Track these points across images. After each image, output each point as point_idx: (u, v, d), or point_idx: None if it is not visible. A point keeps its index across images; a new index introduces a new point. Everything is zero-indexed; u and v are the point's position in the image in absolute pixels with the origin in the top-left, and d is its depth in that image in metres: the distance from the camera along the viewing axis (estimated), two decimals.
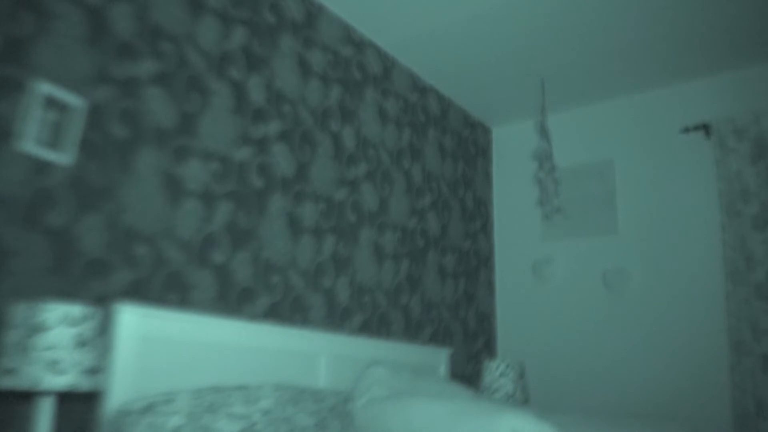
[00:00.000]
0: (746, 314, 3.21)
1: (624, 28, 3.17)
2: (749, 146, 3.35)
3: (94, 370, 1.62)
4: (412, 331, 3.35)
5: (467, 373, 3.77)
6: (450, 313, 3.69)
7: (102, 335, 1.79)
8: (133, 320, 1.89)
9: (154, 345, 1.95)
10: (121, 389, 1.82)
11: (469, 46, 3.38)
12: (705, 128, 3.53)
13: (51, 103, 1.86)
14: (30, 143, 1.81)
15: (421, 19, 3.14)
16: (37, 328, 1.57)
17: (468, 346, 3.81)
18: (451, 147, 3.94)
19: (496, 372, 3.15)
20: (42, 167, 1.85)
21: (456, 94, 3.94)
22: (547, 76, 3.68)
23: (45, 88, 1.85)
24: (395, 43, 3.36)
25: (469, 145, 4.15)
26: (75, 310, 1.61)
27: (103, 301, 1.95)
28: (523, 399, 3.17)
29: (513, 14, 3.07)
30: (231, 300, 2.38)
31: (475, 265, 4.01)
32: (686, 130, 3.58)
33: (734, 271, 3.29)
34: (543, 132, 3.14)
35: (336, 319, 2.87)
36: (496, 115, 4.24)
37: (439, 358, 3.27)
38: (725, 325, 3.37)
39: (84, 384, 1.58)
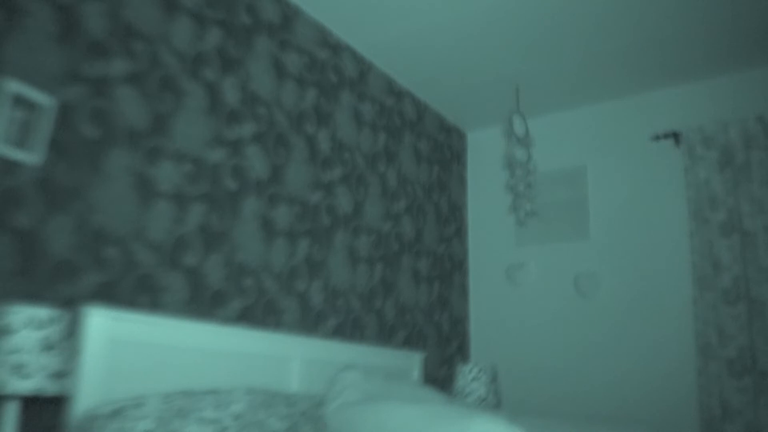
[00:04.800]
0: (713, 319, 3.28)
1: (597, 38, 3.22)
2: (717, 154, 3.43)
3: (60, 374, 1.59)
4: (385, 335, 3.35)
5: (440, 377, 3.78)
6: (424, 317, 3.70)
7: (69, 338, 1.76)
8: (101, 323, 1.86)
9: (124, 349, 1.92)
10: (88, 394, 1.79)
11: (445, 51, 3.40)
12: (675, 136, 3.60)
13: (19, 101, 1.82)
14: None
15: (398, 24, 3.15)
16: (2, 332, 1.54)
17: (441, 350, 3.83)
18: (426, 151, 3.96)
19: (468, 376, 3.17)
20: (9, 167, 1.81)
21: (432, 98, 3.96)
22: (521, 82, 3.72)
23: (13, 86, 1.81)
24: (372, 46, 3.37)
25: (444, 149, 4.17)
26: (41, 312, 1.58)
27: (71, 303, 1.91)
28: (495, 403, 3.19)
29: (489, 20, 3.10)
30: (203, 303, 2.36)
31: (449, 270, 4.03)
32: (656, 137, 3.65)
33: (702, 276, 3.35)
34: (513, 137, 3.17)
35: (309, 322, 2.86)
36: (471, 120, 4.27)
37: (413, 362, 3.28)
38: (692, 329, 3.44)
39: (50, 388, 1.55)
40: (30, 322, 1.55)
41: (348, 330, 3.09)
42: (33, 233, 1.85)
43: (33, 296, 1.82)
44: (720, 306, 3.26)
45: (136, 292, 2.12)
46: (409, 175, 3.76)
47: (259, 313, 2.59)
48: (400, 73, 3.64)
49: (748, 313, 3.20)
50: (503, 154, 4.31)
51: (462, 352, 4.05)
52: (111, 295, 2.04)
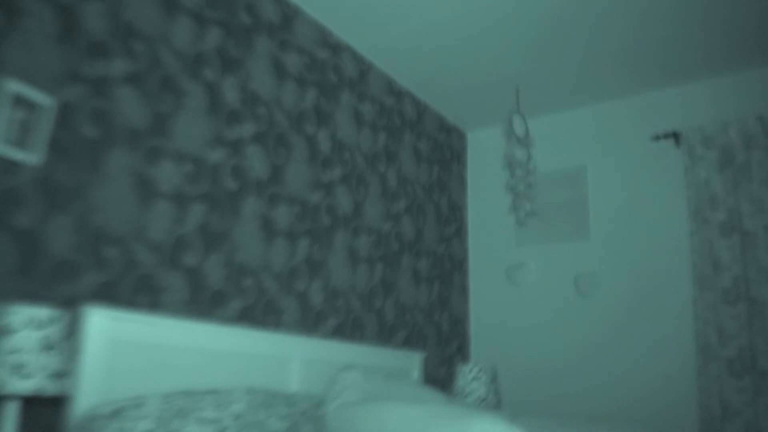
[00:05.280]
0: (713, 319, 3.28)
1: (597, 38, 3.22)
2: (717, 154, 3.43)
3: (60, 374, 1.59)
4: (385, 335, 3.35)
5: (440, 377, 3.78)
6: (424, 316, 3.70)
7: (69, 338, 1.76)
8: (101, 323, 1.86)
9: (124, 348, 1.92)
10: (88, 394, 1.79)
11: (445, 51, 3.40)
12: (675, 136, 3.60)
13: (19, 101, 1.82)
14: None
15: (398, 23, 3.15)
16: (2, 331, 1.54)
17: (441, 349, 3.83)
18: (426, 151, 3.96)
19: (468, 376, 3.17)
20: (9, 167, 1.81)
21: (432, 98, 3.96)
22: (521, 82, 3.72)
23: (13, 86, 1.81)
24: (372, 46, 3.37)
25: (444, 149, 4.17)
26: (41, 312, 1.58)
27: (71, 303, 1.91)
28: (495, 402, 3.19)
29: (489, 20, 3.10)
30: (203, 303, 2.36)
31: (449, 270, 4.03)
32: (657, 137, 3.64)
33: (702, 276, 3.35)
34: (513, 137, 3.17)
35: (309, 322, 2.86)
36: (471, 120, 4.27)
37: (413, 361, 3.28)
38: (692, 329, 3.44)
39: (50, 388, 1.55)
40: (30, 322, 1.55)
41: (348, 330, 3.09)
42: (33, 233, 1.85)
43: (33, 296, 1.82)
44: (720, 306, 3.26)
45: (136, 292, 2.12)
46: (409, 175, 3.76)
47: (259, 313, 2.59)
48: (400, 73, 3.64)
49: (748, 313, 3.20)
50: (503, 154, 4.31)
51: (462, 352, 4.05)
52: (111, 295, 2.04)
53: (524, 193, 3.13)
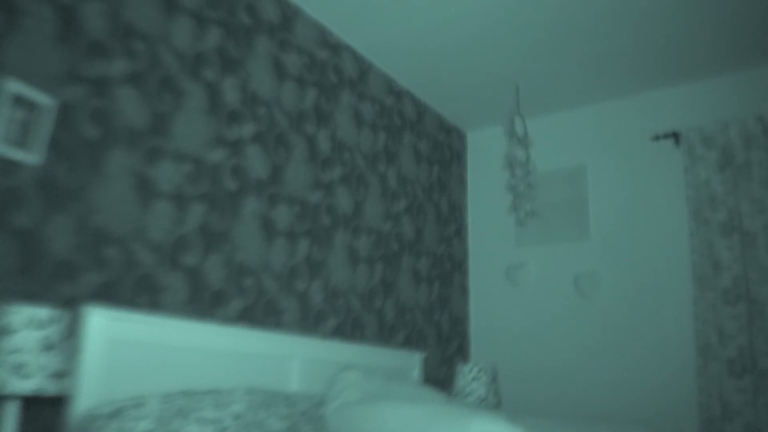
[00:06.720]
0: (713, 319, 3.28)
1: (596, 38, 3.22)
2: (717, 154, 3.43)
3: (60, 374, 1.59)
4: (385, 335, 3.35)
5: (440, 377, 3.78)
6: (424, 316, 3.70)
7: (70, 338, 1.76)
8: (102, 323, 1.86)
9: (124, 348, 1.92)
10: (88, 394, 1.79)
11: (445, 51, 3.40)
12: (675, 136, 3.60)
13: (19, 101, 1.82)
14: None
15: (398, 23, 3.15)
16: (2, 331, 1.54)
17: (441, 349, 3.83)
18: (426, 151, 3.96)
19: (468, 376, 3.17)
20: (9, 167, 1.81)
21: (432, 98, 3.96)
22: (521, 82, 3.72)
23: (13, 86, 1.81)
24: (371, 46, 3.37)
25: (444, 149, 4.17)
26: (41, 312, 1.58)
27: (71, 303, 1.91)
28: (495, 402, 3.19)
29: (489, 20, 3.10)
30: (203, 303, 2.36)
31: (449, 270, 4.03)
32: (656, 137, 3.64)
33: (702, 276, 3.35)
34: (514, 137, 3.17)
35: (309, 322, 2.86)
36: (471, 119, 4.27)
37: (413, 361, 3.28)
38: (692, 329, 3.44)
39: (50, 388, 1.55)
40: (30, 322, 1.55)
41: (348, 330, 3.09)
42: (33, 233, 1.85)
43: (33, 296, 1.82)
44: (720, 306, 3.26)
45: (136, 292, 2.12)
46: (409, 175, 3.76)
47: (259, 313, 2.59)
48: (400, 73, 3.64)
49: (748, 313, 3.20)
50: (503, 154, 4.31)
51: (462, 352, 4.05)
52: (111, 295, 2.04)
53: (524, 193, 3.13)
